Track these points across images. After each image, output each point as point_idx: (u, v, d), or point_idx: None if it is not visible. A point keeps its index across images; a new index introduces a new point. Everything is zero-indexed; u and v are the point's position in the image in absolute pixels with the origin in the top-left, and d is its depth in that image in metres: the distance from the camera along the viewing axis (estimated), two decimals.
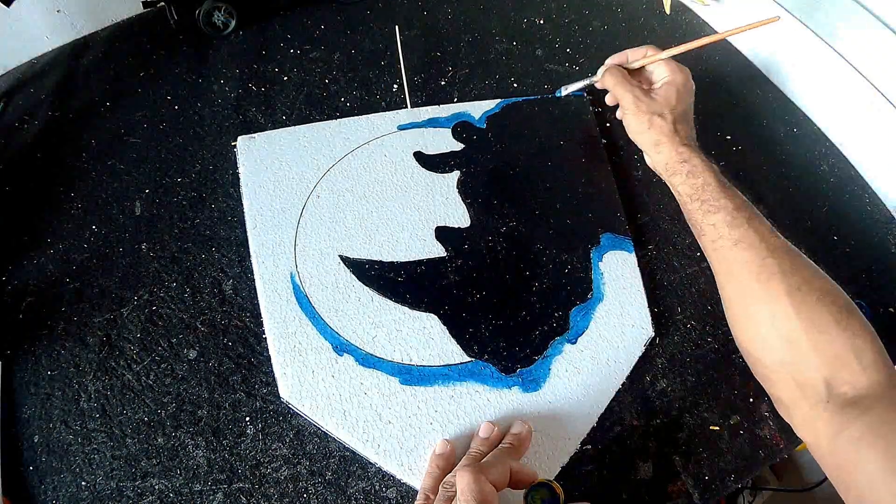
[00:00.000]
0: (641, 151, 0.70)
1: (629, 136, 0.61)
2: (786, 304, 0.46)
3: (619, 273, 0.59)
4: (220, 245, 0.60)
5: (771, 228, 0.51)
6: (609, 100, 0.65)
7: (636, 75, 0.62)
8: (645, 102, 0.57)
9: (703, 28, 0.82)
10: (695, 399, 0.55)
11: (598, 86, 0.64)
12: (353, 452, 0.51)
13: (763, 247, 0.49)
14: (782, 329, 0.46)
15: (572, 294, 0.58)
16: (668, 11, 0.82)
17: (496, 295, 0.57)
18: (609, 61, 0.62)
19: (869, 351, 0.44)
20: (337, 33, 0.77)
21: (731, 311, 0.52)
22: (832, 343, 0.45)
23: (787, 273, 0.47)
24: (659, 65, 0.60)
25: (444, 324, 0.55)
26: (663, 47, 0.62)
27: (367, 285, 0.57)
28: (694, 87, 0.60)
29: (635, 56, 0.61)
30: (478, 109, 0.69)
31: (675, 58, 0.61)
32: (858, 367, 0.44)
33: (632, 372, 0.55)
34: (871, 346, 0.45)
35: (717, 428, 0.54)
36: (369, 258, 0.58)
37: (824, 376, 0.44)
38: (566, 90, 0.69)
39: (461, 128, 0.67)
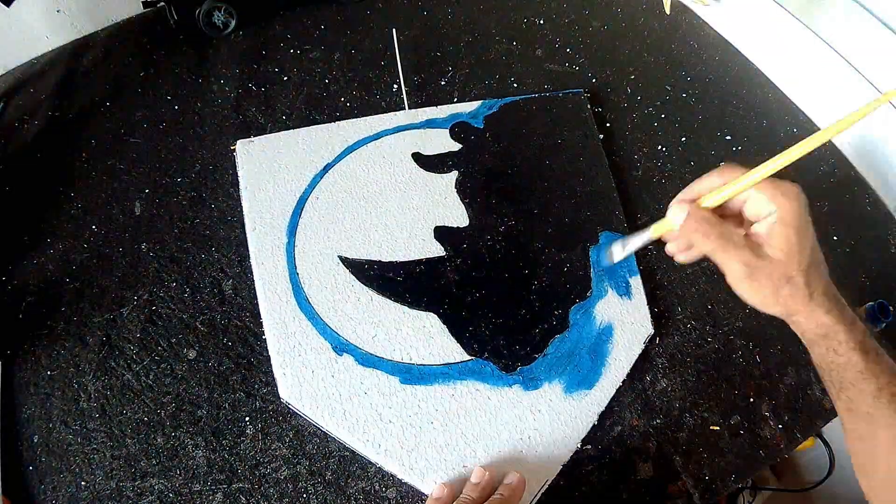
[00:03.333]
0: (641, 151, 0.70)
1: (740, 296, 0.41)
2: None
3: (617, 271, 0.59)
4: (219, 245, 0.60)
5: None
6: (685, 256, 0.42)
7: (721, 214, 0.41)
8: (762, 267, 0.38)
9: (702, 28, 0.82)
10: (695, 399, 0.55)
11: (668, 240, 0.43)
12: (353, 452, 0.51)
13: None
14: None
15: (571, 292, 0.58)
16: (668, 11, 0.82)
17: (496, 294, 0.57)
18: (679, 199, 0.41)
19: None
20: (337, 33, 0.77)
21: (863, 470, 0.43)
22: None
23: None
24: (753, 191, 0.39)
25: (444, 323, 0.55)
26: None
27: (366, 285, 0.57)
28: (808, 209, 0.39)
29: (711, 184, 0.40)
30: (476, 110, 0.69)
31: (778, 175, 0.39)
32: None
33: (632, 371, 0.55)
34: None
35: (718, 428, 0.54)
36: (368, 258, 0.58)
37: None
38: (619, 254, 0.47)
39: (459, 128, 0.67)
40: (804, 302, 0.40)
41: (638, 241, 0.45)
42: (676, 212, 0.40)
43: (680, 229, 0.40)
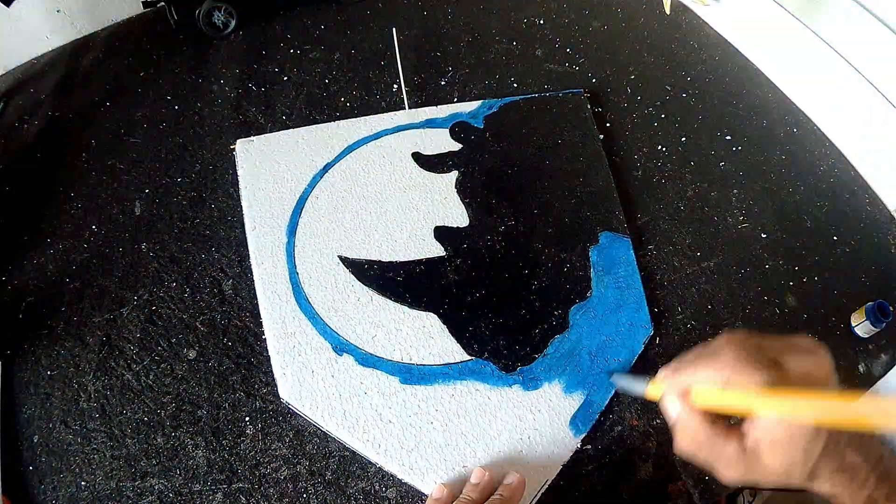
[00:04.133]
0: (641, 151, 0.70)
1: None
2: None
3: (618, 271, 0.59)
4: (219, 245, 0.60)
5: None
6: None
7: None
8: (758, 480, 0.34)
9: (702, 28, 0.82)
10: None
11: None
12: (353, 452, 0.51)
13: None
14: None
15: (571, 292, 0.58)
16: (668, 11, 0.82)
17: (496, 293, 0.57)
18: (671, 377, 0.36)
19: None
20: (337, 33, 0.77)
21: None
22: None
23: None
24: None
25: (444, 323, 0.55)
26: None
27: (366, 285, 0.57)
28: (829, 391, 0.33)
29: (709, 377, 0.34)
30: (476, 110, 0.69)
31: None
32: None
33: (632, 371, 0.55)
34: None
35: None
36: (368, 258, 0.58)
37: None
38: (623, 382, 0.50)
39: (459, 128, 0.67)
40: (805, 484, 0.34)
41: (636, 387, 0.43)
42: (668, 402, 0.36)
43: (671, 424, 0.36)
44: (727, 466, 0.34)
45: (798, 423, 0.32)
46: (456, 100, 0.71)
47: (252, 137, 0.65)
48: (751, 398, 0.32)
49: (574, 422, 0.51)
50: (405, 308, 0.56)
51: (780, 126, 0.73)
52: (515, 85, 0.73)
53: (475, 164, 0.65)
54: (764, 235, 0.64)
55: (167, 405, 0.52)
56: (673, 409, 0.36)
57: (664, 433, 0.53)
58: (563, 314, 0.56)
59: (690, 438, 0.35)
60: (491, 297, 0.57)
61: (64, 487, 0.48)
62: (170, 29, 0.73)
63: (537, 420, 0.51)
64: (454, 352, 0.54)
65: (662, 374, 0.37)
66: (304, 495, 0.49)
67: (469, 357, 0.54)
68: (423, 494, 0.49)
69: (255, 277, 0.57)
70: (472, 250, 0.59)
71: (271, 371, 0.53)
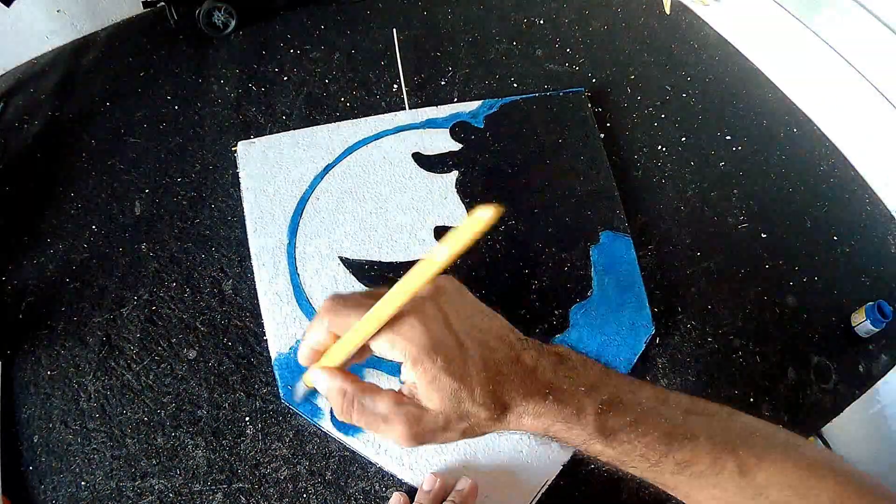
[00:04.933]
0: (641, 151, 0.70)
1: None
2: None
3: (618, 270, 0.59)
4: (219, 245, 0.60)
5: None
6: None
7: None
8: (425, 424, 0.30)
9: (702, 28, 0.81)
10: None
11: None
12: (353, 452, 0.50)
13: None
14: None
15: (572, 292, 0.58)
16: (667, 11, 0.82)
17: (496, 293, 0.57)
18: (307, 352, 0.32)
19: None
20: (337, 33, 0.77)
21: None
22: None
23: None
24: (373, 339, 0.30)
25: None
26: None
27: (366, 285, 0.57)
28: (450, 321, 0.31)
29: (322, 337, 0.31)
30: (476, 109, 0.69)
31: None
32: None
33: (632, 371, 0.55)
34: None
35: None
36: (369, 259, 0.58)
37: None
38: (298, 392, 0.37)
39: (459, 128, 0.67)
40: (498, 421, 0.30)
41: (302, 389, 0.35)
42: (311, 374, 0.32)
43: (328, 395, 0.31)
44: (386, 421, 0.30)
45: (427, 344, 0.28)
46: (456, 100, 0.71)
47: (253, 139, 0.65)
48: (356, 334, 0.29)
49: None
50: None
51: (780, 126, 0.73)
52: (515, 85, 0.73)
53: (475, 163, 0.65)
54: (764, 235, 0.64)
55: (167, 405, 0.52)
56: (317, 380, 0.31)
57: None
58: (563, 314, 0.56)
59: (340, 402, 0.30)
60: (491, 297, 0.57)
61: (64, 487, 0.48)
62: (170, 29, 0.72)
63: None
64: None
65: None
66: (304, 495, 0.49)
67: None
68: None
69: (257, 278, 0.57)
70: (473, 250, 0.59)
71: (272, 371, 0.53)
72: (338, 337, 0.31)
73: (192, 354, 0.54)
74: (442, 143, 0.66)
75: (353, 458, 0.51)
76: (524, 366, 0.31)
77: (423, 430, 0.30)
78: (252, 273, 0.57)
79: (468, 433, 0.31)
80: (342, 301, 0.31)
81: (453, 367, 0.29)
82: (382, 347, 0.29)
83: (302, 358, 0.32)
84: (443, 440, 0.31)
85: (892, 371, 0.58)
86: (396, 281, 0.29)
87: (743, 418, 0.33)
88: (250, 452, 0.50)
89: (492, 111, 0.69)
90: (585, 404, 0.30)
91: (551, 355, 0.32)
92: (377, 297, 0.29)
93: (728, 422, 0.33)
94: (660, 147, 0.69)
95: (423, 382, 0.29)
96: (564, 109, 0.70)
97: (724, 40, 0.80)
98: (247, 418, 0.52)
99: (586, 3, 0.83)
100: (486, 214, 0.25)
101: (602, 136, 0.69)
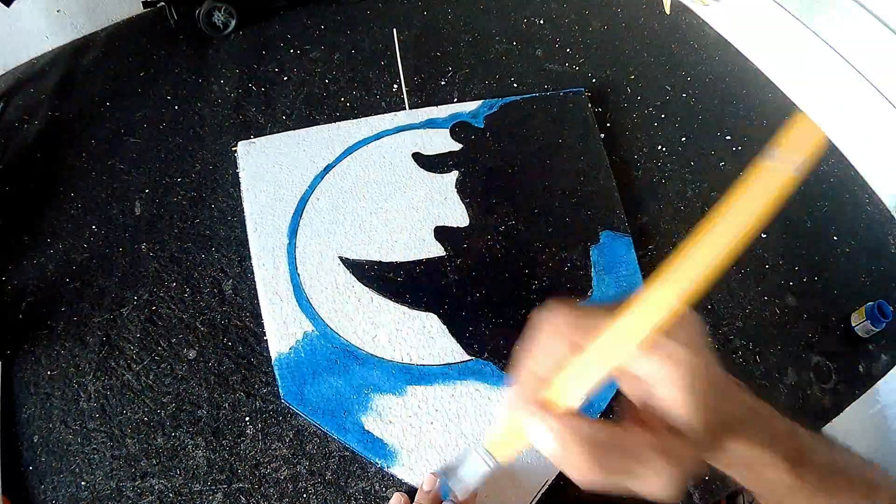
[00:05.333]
0: (641, 151, 0.70)
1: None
2: None
3: (618, 271, 0.59)
4: (219, 245, 0.60)
5: None
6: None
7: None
8: (687, 462, 0.25)
9: (702, 28, 0.82)
10: None
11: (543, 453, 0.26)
12: (353, 452, 0.50)
13: None
14: None
15: (572, 292, 0.58)
16: (667, 11, 0.82)
17: (496, 293, 0.57)
18: (522, 396, 0.26)
19: None
20: (337, 33, 0.77)
21: None
22: None
23: None
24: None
25: (444, 323, 0.55)
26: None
27: (366, 285, 0.57)
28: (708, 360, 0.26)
29: (546, 360, 0.26)
30: (476, 109, 0.69)
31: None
32: None
33: None
34: None
35: None
36: (369, 259, 0.58)
37: None
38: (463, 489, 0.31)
39: (459, 128, 0.67)
40: (712, 451, 0.28)
41: (474, 476, 0.30)
42: (538, 431, 0.25)
43: (551, 453, 0.25)
44: (650, 463, 0.24)
45: (695, 353, 0.25)
46: (456, 100, 0.71)
47: (253, 139, 0.65)
48: (604, 349, 0.25)
49: None
50: (405, 308, 0.56)
51: (780, 126, 0.73)
52: (515, 85, 0.73)
53: (475, 163, 0.65)
54: (764, 235, 0.64)
55: (167, 405, 0.52)
56: (543, 429, 0.25)
57: None
58: None
59: (590, 448, 0.24)
60: (491, 297, 0.57)
61: (64, 487, 0.48)
62: (170, 29, 0.72)
63: None
64: (454, 352, 0.54)
65: (506, 405, 0.27)
66: (304, 495, 0.49)
67: (469, 357, 0.54)
68: None
69: (257, 278, 0.57)
70: (473, 250, 0.59)
71: (271, 371, 0.53)
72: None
73: (192, 354, 0.54)
74: (442, 143, 0.66)
75: (353, 458, 0.51)
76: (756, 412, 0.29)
77: (684, 459, 0.25)
78: (252, 273, 0.57)
79: (702, 459, 0.27)
80: (580, 313, 0.25)
81: (706, 381, 0.25)
82: (646, 367, 0.25)
83: (524, 403, 0.25)
84: (690, 469, 0.25)
85: (892, 371, 0.58)
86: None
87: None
88: (250, 452, 0.50)
89: (492, 111, 0.69)
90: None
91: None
92: (602, 313, 0.24)
93: None
94: (660, 147, 0.69)
95: (692, 402, 0.25)
96: (564, 109, 0.70)
97: (724, 40, 0.80)
98: (247, 418, 0.52)
99: (586, 3, 0.83)
100: None
101: (602, 136, 0.69)
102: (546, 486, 0.49)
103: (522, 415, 0.25)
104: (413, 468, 0.49)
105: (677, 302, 0.24)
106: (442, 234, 0.60)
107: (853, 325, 0.59)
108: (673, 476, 0.25)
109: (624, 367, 0.25)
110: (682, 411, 0.25)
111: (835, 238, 0.65)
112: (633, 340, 0.24)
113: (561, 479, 0.50)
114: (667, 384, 0.25)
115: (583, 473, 0.25)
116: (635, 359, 0.25)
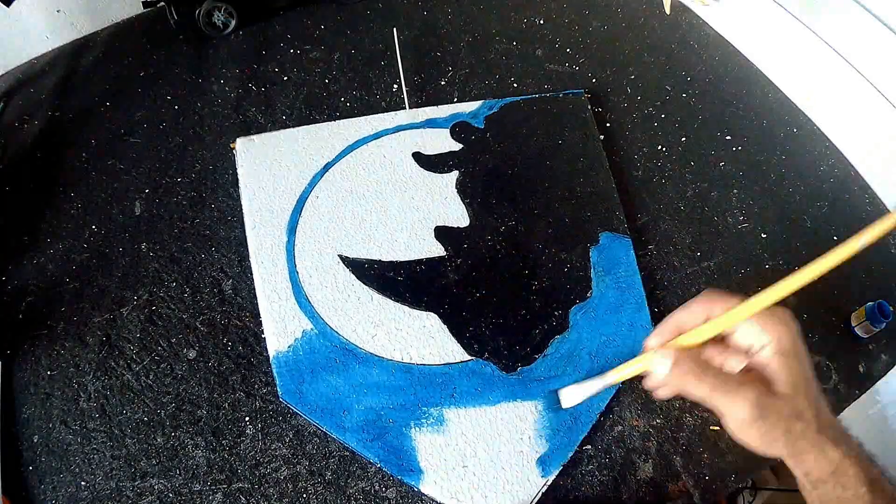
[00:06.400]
0: (641, 151, 0.70)
1: (740, 441, 0.37)
2: None
3: (618, 272, 0.59)
4: (219, 245, 0.60)
5: None
6: (665, 391, 0.39)
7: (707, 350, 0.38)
8: (772, 405, 0.35)
9: (702, 28, 0.82)
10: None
11: (650, 386, 0.39)
12: (353, 452, 0.50)
13: None
14: None
15: (572, 293, 0.58)
16: (668, 11, 0.82)
17: (496, 294, 0.57)
18: (658, 335, 0.39)
19: None
20: (337, 33, 0.77)
21: None
22: None
23: None
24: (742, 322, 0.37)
25: (445, 323, 0.55)
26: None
27: (366, 285, 0.57)
28: (801, 335, 0.37)
29: (693, 318, 0.38)
30: (476, 110, 0.69)
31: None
32: None
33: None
34: None
35: (718, 428, 0.54)
36: (369, 258, 0.58)
37: None
38: (571, 399, 0.47)
39: (459, 128, 0.67)
40: (814, 438, 0.35)
41: (598, 384, 0.43)
42: (660, 359, 0.36)
43: (668, 378, 0.36)
44: (739, 388, 0.35)
45: (794, 340, 0.36)
46: (456, 100, 0.71)
47: (252, 136, 0.65)
48: (737, 313, 0.36)
49: (575, 422, 0.51)
50: (405, 308, 0.56)
51: (780, 126, 0.73)
52: (515, 85, 0.73)
53: (476, 164, 0.65)
54: (764, 235, 0.64)
55: (167, 405, 0.52)
56: (666, 361, 0.36)
57: (664, 433, 0.53)
58: (563, 314, 0.56)
59: (694, 373, 0.35)
60: (491, 297, 0.57)
61: (64, 487, 0.48)
62: (170, 29, 0.72)
63: (538, 420, 0.51)
64: (454, 352, 0.54)
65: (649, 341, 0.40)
66: (304, 495, 0.49)
67: (469, 357, 0.54)
68: (423, 494, 0.49)
69: (255, 277, 0.57)
70: (473, 250, 0.59)
71: (271, 371, 0.53)
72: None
73: (192, 354, 0.54)
74: (442, 143, 0.66)
75: (353, 458, 0.51)
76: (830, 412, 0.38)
77: (767, 411, 0.34)
78: (252, 273, 0.57)
79: (792, 441, 0.35)
80: (718, 293, 0.37)
81: (806, 365, 0.36)
82: (752, 327, 0.36)
83: (654, 340, 0.39)
84: (771, 435, 0.35)
85: (892, 371, 0.59)
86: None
87: None
88: (250, 452, 0.50)
89: (492, 111, 0.69)
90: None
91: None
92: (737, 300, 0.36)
93: None
94: (660, 147, 0.70)
95: (787, 368, 0.35)
96: (564, 110, 0.70)
97: (724, 40, 0.80)
98: (247, 418, 0.52)
99: (586, 3, 0.83)
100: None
101: (602, 136, 0.69)
102: (546, 486, 0.49)
103: (652, 341, 0.39)
104: (413, 468, 0.49)
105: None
106: (442, 233, 0.60)
107: (853, 325, 0.59)
108: (754, 406, 0.34)
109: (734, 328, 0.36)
110: (777, 376, 0.35)
111: (835, 238, 0.65)
112: (748, 311, 0.36)
113: (561, 479, 0.50)
114: (781, 352, 0.35)
115: (677, 381, 0.36)
116: (748, 323, 0.36)
